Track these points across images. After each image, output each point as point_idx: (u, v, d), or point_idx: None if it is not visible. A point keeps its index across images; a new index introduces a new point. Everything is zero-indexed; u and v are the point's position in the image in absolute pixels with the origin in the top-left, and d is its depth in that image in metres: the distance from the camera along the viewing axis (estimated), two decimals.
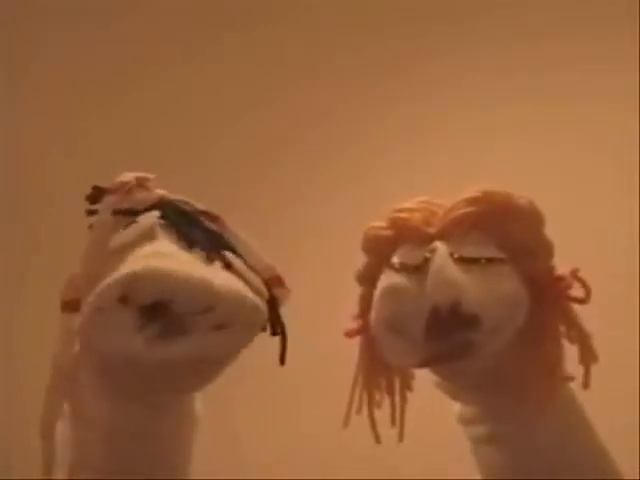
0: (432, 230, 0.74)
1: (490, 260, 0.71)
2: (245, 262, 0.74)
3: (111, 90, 1.79)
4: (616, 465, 0.78)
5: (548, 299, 0.73)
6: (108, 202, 0.74)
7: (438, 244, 0.72)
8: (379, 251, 0.76)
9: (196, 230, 0.74)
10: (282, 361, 0.75)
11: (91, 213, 0.76)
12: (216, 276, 0.69)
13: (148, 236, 0.71)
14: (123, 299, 0.67)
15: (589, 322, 0.77)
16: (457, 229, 0.73)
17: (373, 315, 0.74)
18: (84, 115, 1.79)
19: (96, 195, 0.76)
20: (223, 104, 1.77)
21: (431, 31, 1.73)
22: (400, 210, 0.76)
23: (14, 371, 1.70)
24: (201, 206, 0.77)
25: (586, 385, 0.75)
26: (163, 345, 0.68)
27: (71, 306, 0.73)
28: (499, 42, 1.70)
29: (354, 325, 0.78)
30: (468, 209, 0.73)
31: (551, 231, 0.76)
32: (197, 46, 1.78)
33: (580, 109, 1.64)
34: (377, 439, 0.79)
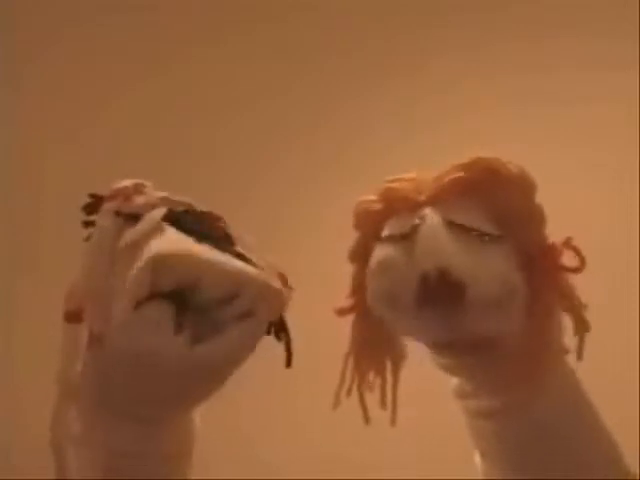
0: (422, 197, 0.72)
1: (482, 235, 0.70)
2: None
3: (108, 92, 1.79)
4: (615, 441, 0.77)
5: (540, 269, 0.72)
6: (107, 208, 0.72)
7: (427, 210, 0.71)
8: (370, 226, 0.75)
9: (201, 228, 0.73)
10: (288, 364, 0.74)
11: (88, 224, 0.74)
12: (237, 262, 0.69)
13: (158, 229, 0.70)
14: (152, 292, 0.66)
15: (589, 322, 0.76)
16: (447, 195, 0.71)
17: (368, 292, 0.73)
18: (84, 118, 1.79)
19: (93, 205, 0.74)
20: (221, 104, 1.77)
21: (430, 30, 1.73)
22: (390, 181, 0.75)
23: (14, 372, 1.69)
24: (203, 208, 0.75)
25: (579, 356, 0.73)
26: (203, 346, 0.67)
27: (74, 316, 0.72)
28: (499, 42, 1.70)
29: (346, 303, 0.77)
30: (458, 174, 0.72)
31: (551, 231, 0.76)
32: (198, 44, 1.78)
33: (580, 109, 1.64)
34: (367, 420, 0.77)
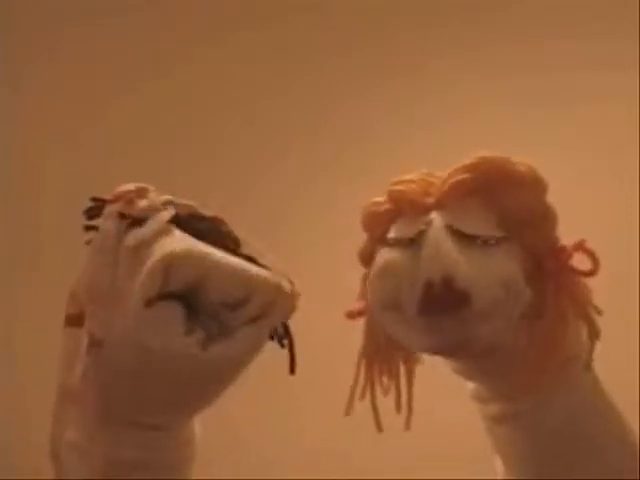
0: (429, 200, 0.70)
1: (486, 240, 0.68)
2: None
3: (108, 93, 1.79)
4: (637, 439, 0.75)
5: (550, 272, 0.70)
6: (110, 211, 0.72)
7: (434, 215, 0.69)
8: (377, 227, 0.73)
9: (207, 231, 0.72)
10: (292, 371, 0.73)
11: (90, 229, 0.73)
12: (249, 266, 0.68)
13: (166, 231, 0.69)
14: (163, 293, 0.66)
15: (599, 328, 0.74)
16: (454, 197, 0.69)
17: (369, 295, 0.71)
18: (85, 118, 1.79)
19: (95, 209, 0.73)
20: (221, 103, 1.77)
21: (430, 30, 1.72)
22: (397, 182, 0.73)
23: (15, 371, 1.69)
24: (207, 211, 0.75)
25: (587, 365, 0.71)
26: (214, 347, 0.67)
27: (75, 320, 0.71)
28: (499, 42, 1.70)
29: (356, 306, 0.75)
30: (465, 175, 0.70)
31: None
32: (198, 44, 1.78)
33: (580, 109, 1.64)
34: (379, 427, 0.76)
